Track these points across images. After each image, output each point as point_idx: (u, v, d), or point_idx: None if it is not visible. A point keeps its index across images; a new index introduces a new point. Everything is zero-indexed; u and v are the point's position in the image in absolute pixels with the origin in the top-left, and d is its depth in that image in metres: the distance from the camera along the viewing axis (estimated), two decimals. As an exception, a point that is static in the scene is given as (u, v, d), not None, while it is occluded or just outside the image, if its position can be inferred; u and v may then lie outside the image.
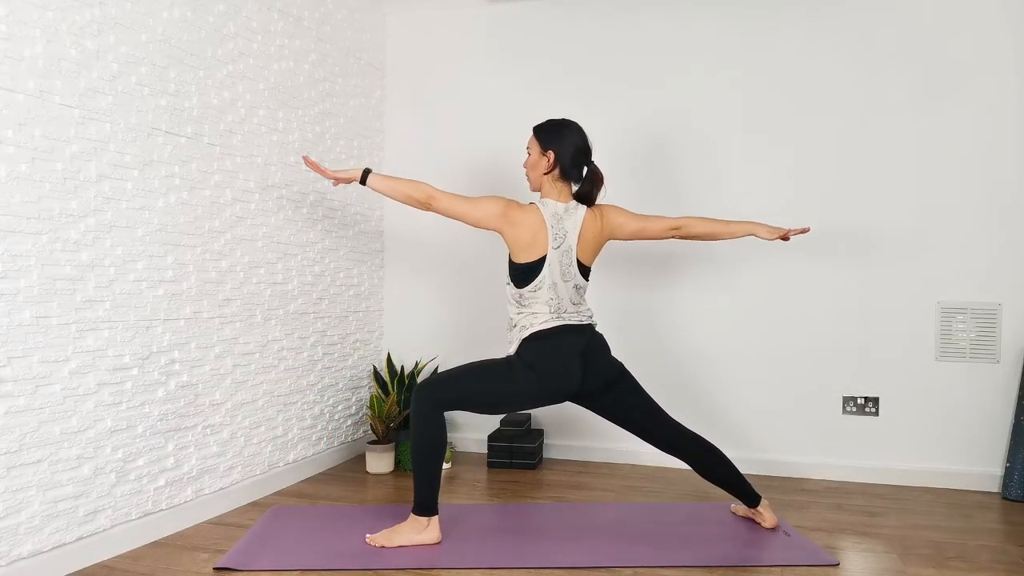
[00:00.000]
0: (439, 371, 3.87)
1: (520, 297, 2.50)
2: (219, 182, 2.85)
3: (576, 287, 2.51)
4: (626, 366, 2.63)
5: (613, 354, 2.62)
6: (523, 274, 2.48)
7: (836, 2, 3.39)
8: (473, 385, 2.48)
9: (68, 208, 2.24)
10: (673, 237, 2.66)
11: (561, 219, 2.48)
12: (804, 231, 2.70)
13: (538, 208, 2.49)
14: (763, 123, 3.48)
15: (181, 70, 2.66)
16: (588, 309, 2.58)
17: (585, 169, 2.55)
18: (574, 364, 2.46)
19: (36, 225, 2.14)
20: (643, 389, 2.61)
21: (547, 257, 2.45)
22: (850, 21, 3.38)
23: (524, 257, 2.48)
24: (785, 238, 2.65)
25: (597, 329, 2.60)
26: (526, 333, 2.47)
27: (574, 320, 2.50)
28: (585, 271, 2.54)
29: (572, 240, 2.48)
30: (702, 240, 2.76)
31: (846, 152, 3.38)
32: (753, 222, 2.69)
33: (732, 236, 2.68)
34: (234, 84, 2.92)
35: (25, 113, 2.11)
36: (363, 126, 3.82)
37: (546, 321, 2.46)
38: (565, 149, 2.51)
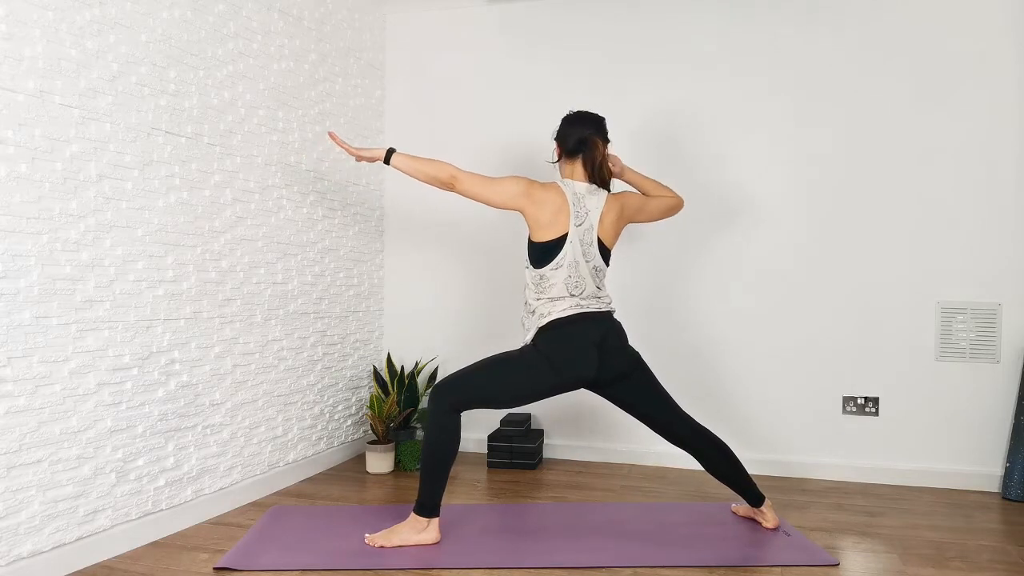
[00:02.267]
0: (440, 371, 3.89)
1: (540, 279, 2.49)
2: (219, 182, 2.85)
3: (596, 269, 2.51)
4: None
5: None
6: (543, 253, 2.48)
7: (837, 2, 3.40)
8: (489, 384, 2.48)
9: (68, 208, 2.24)
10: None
11: (583, 198, 2.50)
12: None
13: (560, 187, 2.50)
14: (762, 122, 3.48)
15: (181, 70, 2.66)
16: (608, 296, 2.58)
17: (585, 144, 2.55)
18: (591, 354, 2.46)
19: (36, 225, 2.14)
20: (657, 381, 2.62)
21: (568, 235, 2.46)
22: (850, 21, 3.37)
23: (544, 235, 2.48)
24: None
25: (616, 316, 2.60)
26: (543, 321, 2.47)
27: (593, 307, 2.49)
28: (606, 253, 2.54)
29: (594, 219, 2.49)
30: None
31: (846, 151, 3.38)
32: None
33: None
34: (234, 84, 2.92)
35: (25, 113, 2.11)
36: (363, 126, 3.82)
37: (565, 309, 2.46)
38: (564, 134, 2.57)
